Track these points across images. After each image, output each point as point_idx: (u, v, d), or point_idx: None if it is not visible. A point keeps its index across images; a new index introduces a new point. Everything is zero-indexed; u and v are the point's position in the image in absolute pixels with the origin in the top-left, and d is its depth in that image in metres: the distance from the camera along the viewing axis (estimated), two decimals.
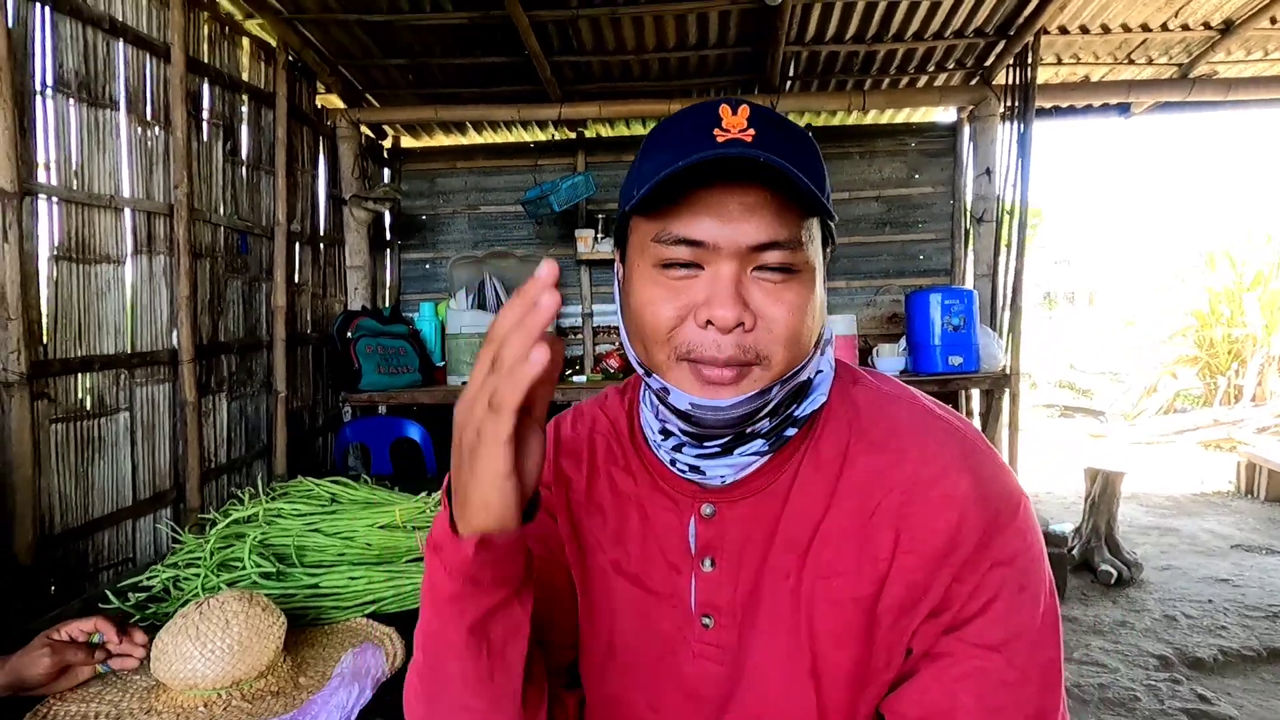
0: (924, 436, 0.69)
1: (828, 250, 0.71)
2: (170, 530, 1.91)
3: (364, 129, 4.15)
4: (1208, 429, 7.29)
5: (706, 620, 0.73)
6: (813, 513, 0.69)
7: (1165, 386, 8.51)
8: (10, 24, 2.03)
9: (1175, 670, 2.91)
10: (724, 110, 0.63)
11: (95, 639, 1.15)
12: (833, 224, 0.70)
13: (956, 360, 3.64)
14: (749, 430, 0.67)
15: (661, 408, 0.70)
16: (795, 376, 0.66)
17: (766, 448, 0.68)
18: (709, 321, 0.62)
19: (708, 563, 0.72)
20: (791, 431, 0.69)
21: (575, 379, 4.20)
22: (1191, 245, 9.40)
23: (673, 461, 0.71)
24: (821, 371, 0.72)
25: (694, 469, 0.70)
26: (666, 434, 0.71)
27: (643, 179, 0.63)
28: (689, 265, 0.64)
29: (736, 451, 0.68)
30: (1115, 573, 3.72)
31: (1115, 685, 2.75)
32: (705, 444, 0.68)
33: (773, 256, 0.63)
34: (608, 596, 0.77)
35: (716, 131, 0.62)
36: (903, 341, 3.93)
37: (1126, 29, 3.67)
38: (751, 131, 0.61)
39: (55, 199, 2.24)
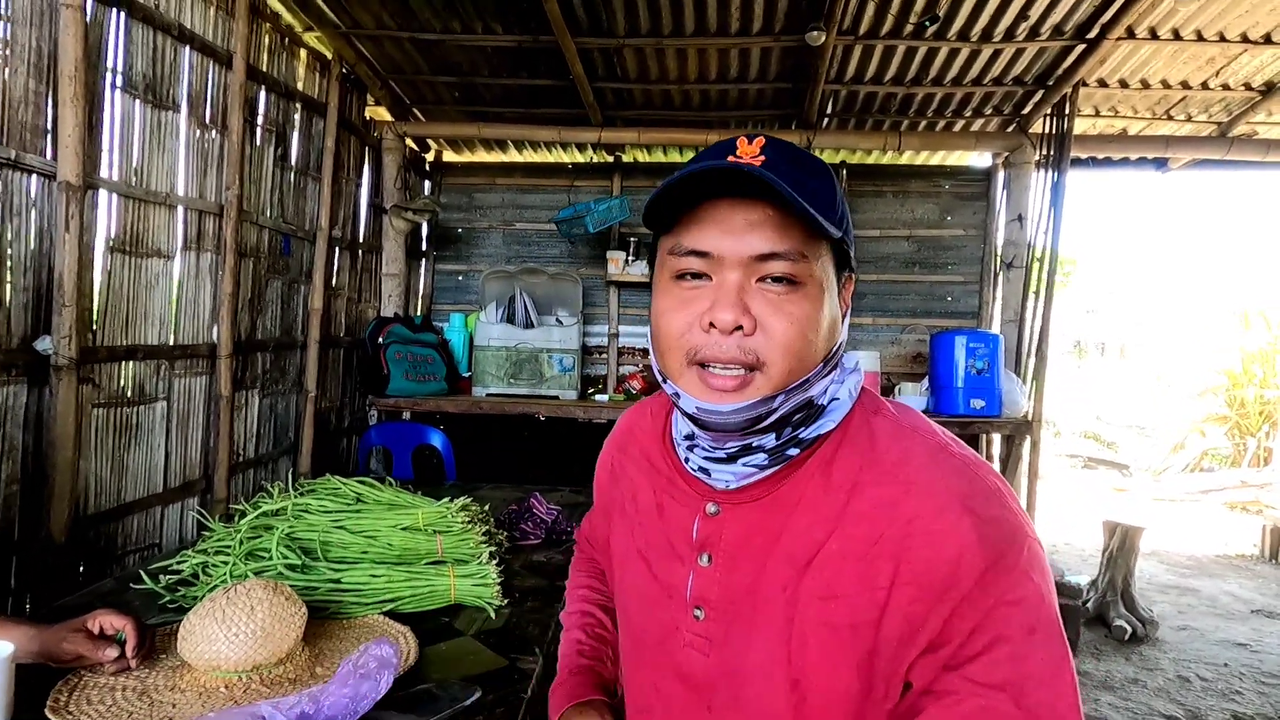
0: (933, 471, 0.70)
1: (846, 276, 0.75)
2: (200, 517, 1.97)
3: (409, 142, 4.27)
4: (1235, 490, 7.14)
5: (698, 612, 0.78)
6: (816, 532, 0.71)
7: (1193, 444, 8.37)
8: (86, 24, 2.15)
9: None
10: (741, 140, 0.70)
11: (120, 636, 1.19)
12: (849, 249, 0.74)
13: (979, 404, 3.64)
14: (755, 444, 0.73)
15: (688, 420, 0.77)
16: (801, 389, 0.70)
17: (768, 461, 0.73)
18: (712, 324, 0.69)
19: (705, 557, 0.78)
20: (794, 451, 0.74)
21: (598, 397, 4.25)
22: (1225, 303, 9.28)
23: (686, 460, 0.80)
24: (838, 399, 0.75)
25: (703, 470, 0.78)
26: (689, 438, 0.78)
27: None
28: (699, 276, 0.71)
29: (740, 461, 0.74)
30: (1130, 629, 3.67)
31: None
32: (714, 450, 0.75)
33: (774, 267, 0.68)
34: (633, 576, 0.87)
35: (730, 157, 0.69)
36: (926, 381, 3.93)
37: (1166, 85, 3.69)
38: (762, 157, 0.68)
39: (115, 194, 2.34)
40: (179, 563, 1.57)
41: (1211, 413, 8.42)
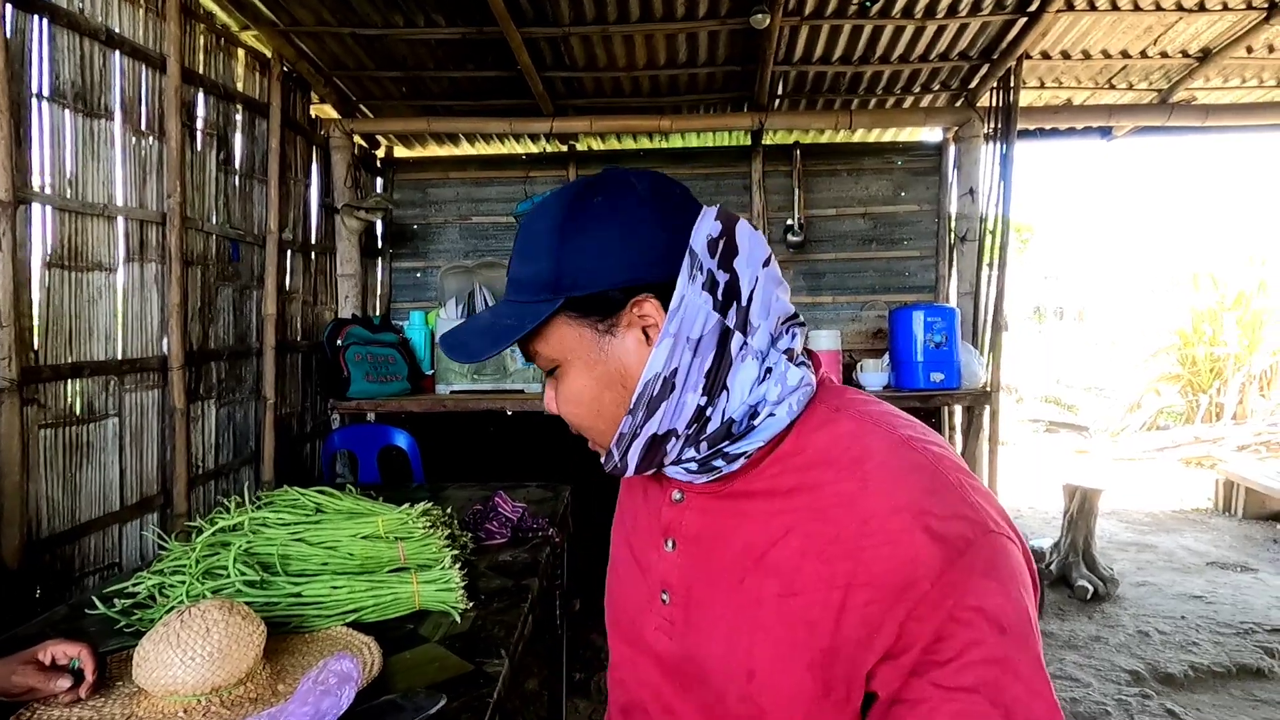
0: (892, 467, 0.68)
1: (628, 309, 0.71)
2: (157, 537, 1.94)
3: (357, 139, 4.19)
4: (1189, 446, 7.38)
5: (664, 595, 0.81)
6: (775, 528, 0.71)
7: (1149, 403, 8.61)
8: (8, 35, 2.07)
9: (1146, 685, 2.96)
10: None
11: (73, 664, 1.16)
12: (607, 289, 0.71)
13: (938, 377, 3.70)
14: (677, 456, 0.77)
15: None
16: (625, 441, 0.75)
17: (698, 468, 0.76)
18: None
19: (669, 543, 0.81)
20: (720, 463, 0.75)
21: None
22: (1175, 265, 9.52)
23: None
24: (773, 418, 0.72)
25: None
26: None
27: None
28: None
29: (681, 465, 0.77)
30: (1091, 588, 3.78)
31: (1087, 700, 2.80)
32: None
33: (540, 364, 0.78)
34: (619, 552, 0.93)
35: None
36: (886, 357, 3.99)
37: (1107, 55, 3.76)
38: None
39: (49, 207, 2.27)
40: (134, 585, 1.54)
41: (1165, 372, 8.67)
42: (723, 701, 0.73)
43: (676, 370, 0.71)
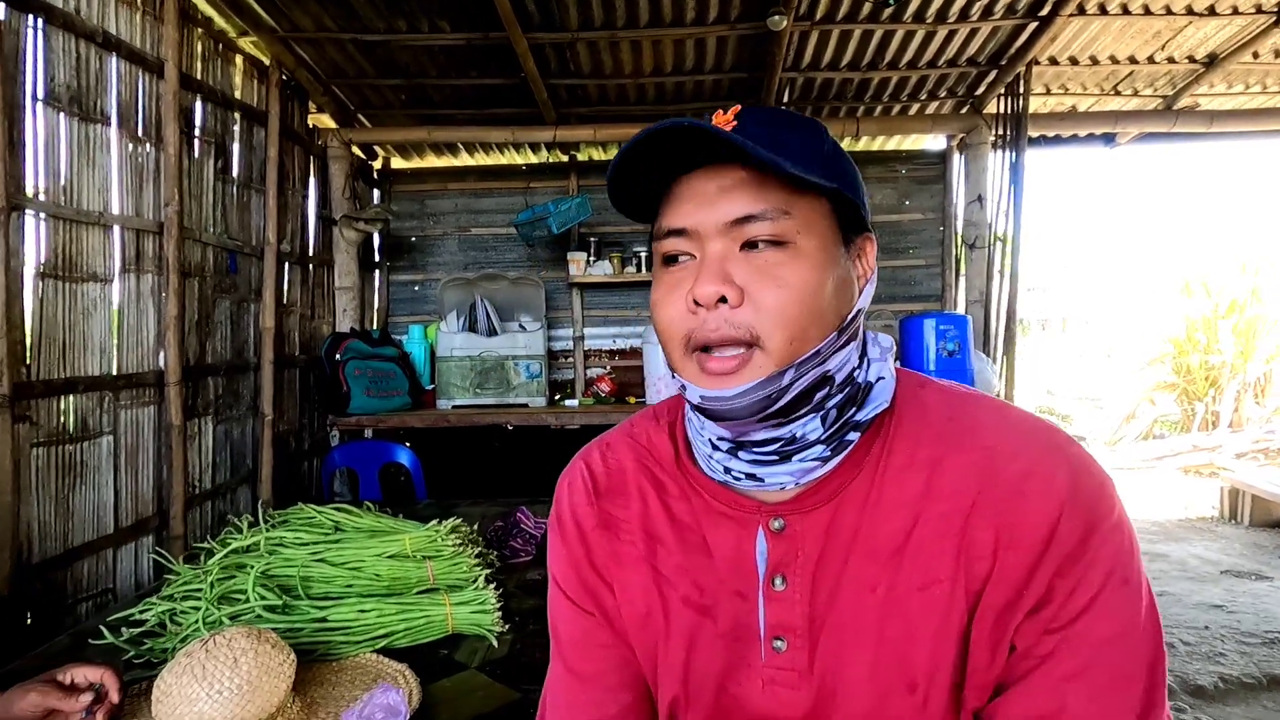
0: (1009, 432, 0.66)
1: (861, 237, 0.70)
2: (158, 559, 1.83)
3: (355, 149, 4.10)
4: (1188, 454, 7.36)
5: (778, 643, 0.69)
6: (899, 520, 0.66)
7: (1144, 413, 8.60)
8: (1, 34, 1.97)
9: (1178, 699, 2.88)
10: (718, 113, 0.66)
11: (96, 689, 1.06)
12: (860, 207, 0.69)
13: None
14: (800, 434, 0.66)
15: (706, 420, 0.68)
16: (813, 362, 0.64)
17: (828, 453, 0.66)
18: (696, 301, 0.63)
19: (779, 581, 0.69)
20: (853, 436, 0.67)
21: (567, 402, 4.14)
22: (1170, 273, 9.58)
23: (727, 470, 0.69)
24: (883, 378, 0.70)
25: (751, 477, 0.68)
26: (724, 440, 0.69)
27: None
28: (686, 256, 0.66)
29: (795, 458, 0.66)
30: None
31: None
32: (756, 450, 0.66)
33: (755, 229, 0.63)
34: (683, 632, 0.73)
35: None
36: None
37: (1114, 61, 3.74)
38: (734, 123, 0.64)
39: (43, 215, 2.16)
40: (142, 611, 1.43)
41: (1160, 380, 8.67)
42: None
43: (861, 315, 0.69)
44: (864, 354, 0.70)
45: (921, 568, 0.65)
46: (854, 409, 0.67)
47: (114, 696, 1.07)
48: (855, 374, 0.68)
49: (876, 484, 0.67)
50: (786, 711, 0.68)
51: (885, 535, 0.66)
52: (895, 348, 0.75)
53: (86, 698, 1.05)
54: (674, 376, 0.69)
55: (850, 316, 0.67)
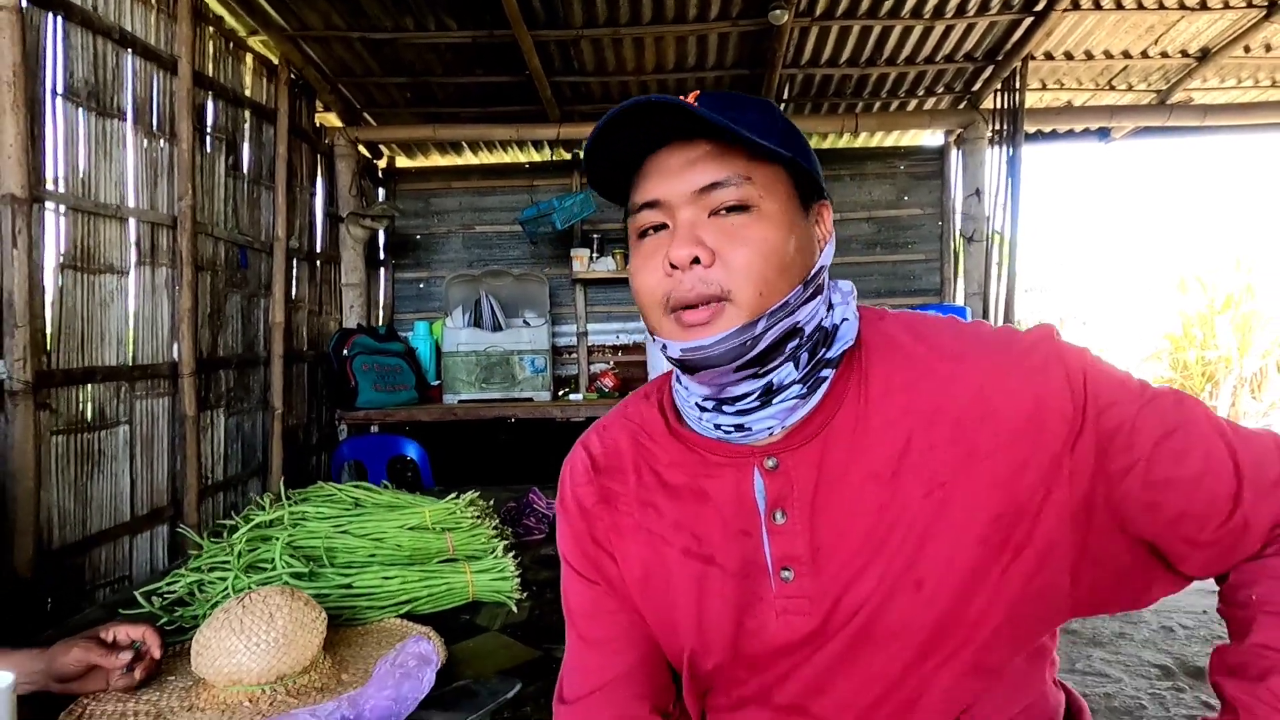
0: (975, 338, 0.73)
1: (817, 203, 0.76)
2: (186, 533, 1.87)
3: (361, 148, 4.16)
4: None
5: (786, 574, 0.73)
6: (888, 443, 0.70)
7: None
8: (24, 29, 2.02)
9: (1178, 680, 2.92)
10: (680, 97, 0.70)
11: (136, 646, 1.11)
12: (814, 175, 0.74)
13: None
14: (776, 381, 0.71)
15: (691, 383, 0.74)
16: (783, 312, 0.69)
17: (805, 390, 0.71)
18: (673, 264, 0.68)
19: (779, 515, 0.73)
20: (827, 373, 0.72)
21: (571, 397, 4.19)
22: (1166, 269, 9.63)
23: (717, 427, 0.74)
24: (847, 319, 0.75)
25: (739, 428, 0.73)
26: (707, 399, 0.74)
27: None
28: (659, 228, 0.72)
29: (775, 401, 0.71)
30: None
31: (1121, 695, 2.76)
32: (739, 403, 0.72)
33: (721, 195, 0.69)
34: (688, 584, 0.77)
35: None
36: None
37: (1109, 55, 3.80)
38: (696, 105, 0.69)
39: (62, 207, 2.21)
40: (171, 583, 1.47)
41: (1156, 376, 8.73)
42: (892, 636, 0.69)
43: (824, 272, 0.75)
44: (830, 305, 0.76)
45: (924, 478, 0.69)
46: (824, 349, 0.73)
47: (155, 652, 1.11)
48: (823, 323, 0.74)
49: (861, 413, 0.72)
50: (804, 637, 0.72)
51: (881, 457, 0.70)
52: (855, 291, 0.80)
53: (127, 655, 1.09)
54: (654, 339, 0.74)
55: (814, 271, 0.73)
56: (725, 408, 0.72)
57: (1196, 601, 3.71)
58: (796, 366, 0.71)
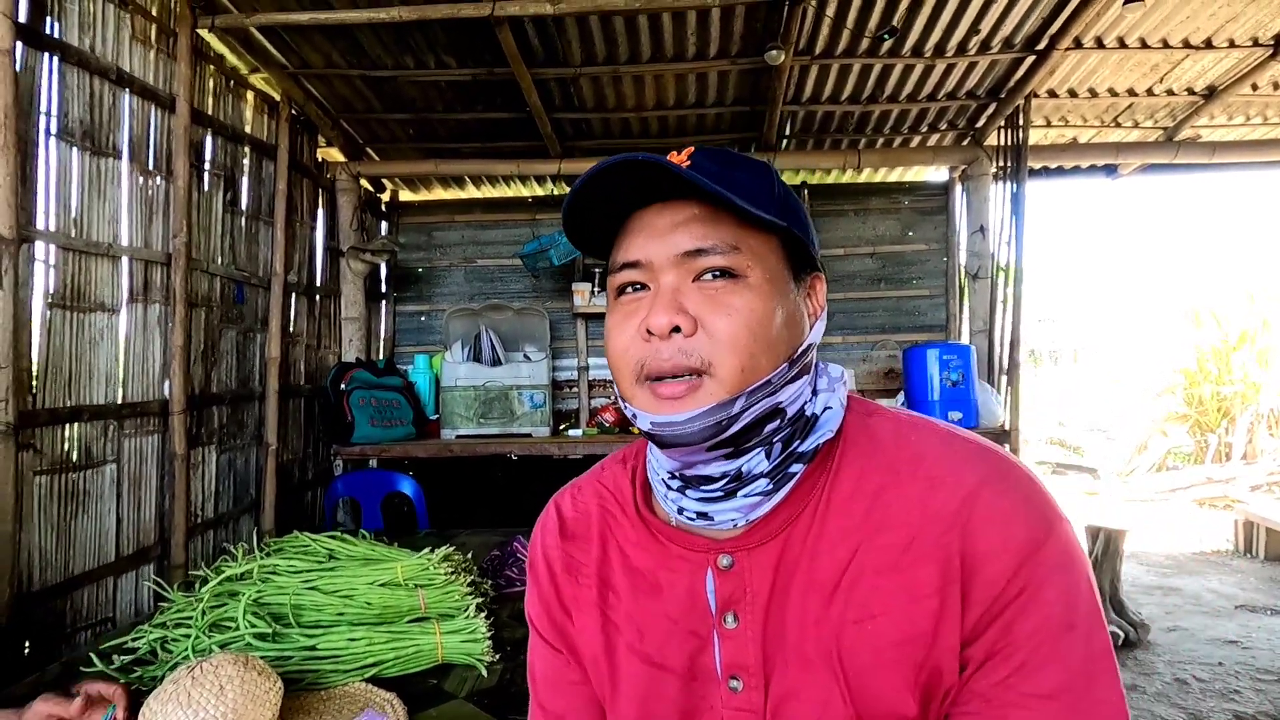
0: (953, 461, 0.66)
1: (809, 276, 0.72)
2: (156, 586, 1.83)
3: (363, 182, 4.17)
4: (1201, 487, 7.26)
5: (734, 683, 0.68)
6: (839, 552, 0.65)
7: (1156, 444, 8.52)
8: (17, 70, 2.03)
9: None
10: (672, 154, 0.67)
11: (110, 710, 1.07)
12: (809, 246, 0.71)
13: (956, 416, 3.62)
14: (745, 469, 0.66)
15: (661, 455, 0.70)
16: (764, 391, 0.64)
17: (770, 486, 0.67)
18: (650, 331, 0.64)
19: (730, 619, 0.68)
20: (797, 468, 0.67)
21: (571, 432, 4.14)
22: (1177, 304, 9.53)
23: (681, 511, 0.70)
24: (830, 409, 0.70)
25: (702, 515, 0.68)
26: (674, 476, 0.70)
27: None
28: (639, 287, 0.68)
29: (740, 494, 0.67)
30: (1122, 634, 3.64)
31: None
32: (703, 488, 0.67)
33: (707, 262, 0.65)
34: (631, 683, 0.73)
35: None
36: (900, 397, 3.91)
37: (1114, 93, 3.77)
38: (688, 162, 0.66)
39: (53, 246, 2.21)
40: (134, 639, 1.43)
41: (1171, 411, 8.59)
42: None
43: (813, 350, 0.71)
44: (815, 391, 0.71)
45: (859, 601, 0.64)
46: (798, 440, 0.68)
47: (121, 713, 1.07)
48: (806, 408, 0.69)
49: (819, 516, 0.67)
50: None
51: (826, 568, 0.65)
52: (846, 377, 0.75)
53: (98, 714, 1.06)
54: (624, 405, 0.70)
55: (801, 349, 0.68)
56: (689, 491, 0.69)
57: (1212, 652, 3.58)
58: (768, 456, 0.67)
